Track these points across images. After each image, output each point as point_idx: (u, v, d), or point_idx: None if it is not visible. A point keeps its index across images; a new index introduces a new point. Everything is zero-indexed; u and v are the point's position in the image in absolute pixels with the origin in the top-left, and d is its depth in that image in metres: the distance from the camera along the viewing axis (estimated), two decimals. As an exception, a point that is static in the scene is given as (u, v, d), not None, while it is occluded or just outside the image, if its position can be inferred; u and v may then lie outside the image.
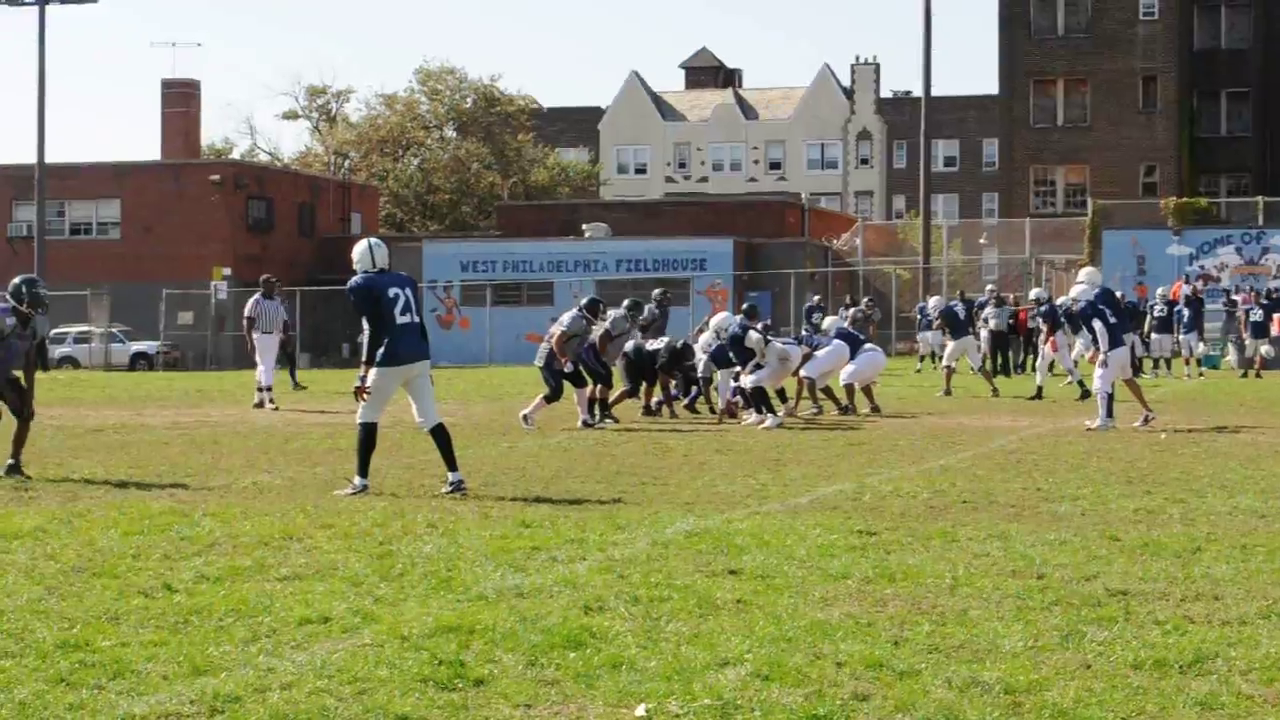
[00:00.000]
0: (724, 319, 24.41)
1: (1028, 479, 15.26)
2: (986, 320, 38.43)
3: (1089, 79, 75.99)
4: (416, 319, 14.40)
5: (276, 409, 26.86)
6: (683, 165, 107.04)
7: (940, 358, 36.14)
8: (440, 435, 14.37)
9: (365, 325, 14.42)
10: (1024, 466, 16.54)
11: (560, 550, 10.72)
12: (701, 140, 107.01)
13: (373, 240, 14.71)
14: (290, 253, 66.95)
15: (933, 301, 41.82)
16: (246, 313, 28.25)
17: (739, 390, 23.73)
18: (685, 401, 25.33)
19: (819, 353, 25.19)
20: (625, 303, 25.28)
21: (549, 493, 14.34)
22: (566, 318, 23.26)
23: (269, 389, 27.79)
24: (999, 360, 39.06)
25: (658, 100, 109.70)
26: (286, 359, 33.26)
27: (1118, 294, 31.94)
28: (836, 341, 25.66)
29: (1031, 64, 76.46)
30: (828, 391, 25.65)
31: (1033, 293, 35.80)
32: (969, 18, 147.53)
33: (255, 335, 27.82)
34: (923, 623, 8.32)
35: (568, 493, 14.33)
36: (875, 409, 25.49)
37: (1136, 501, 13.37)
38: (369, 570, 9.98)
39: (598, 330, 23.75)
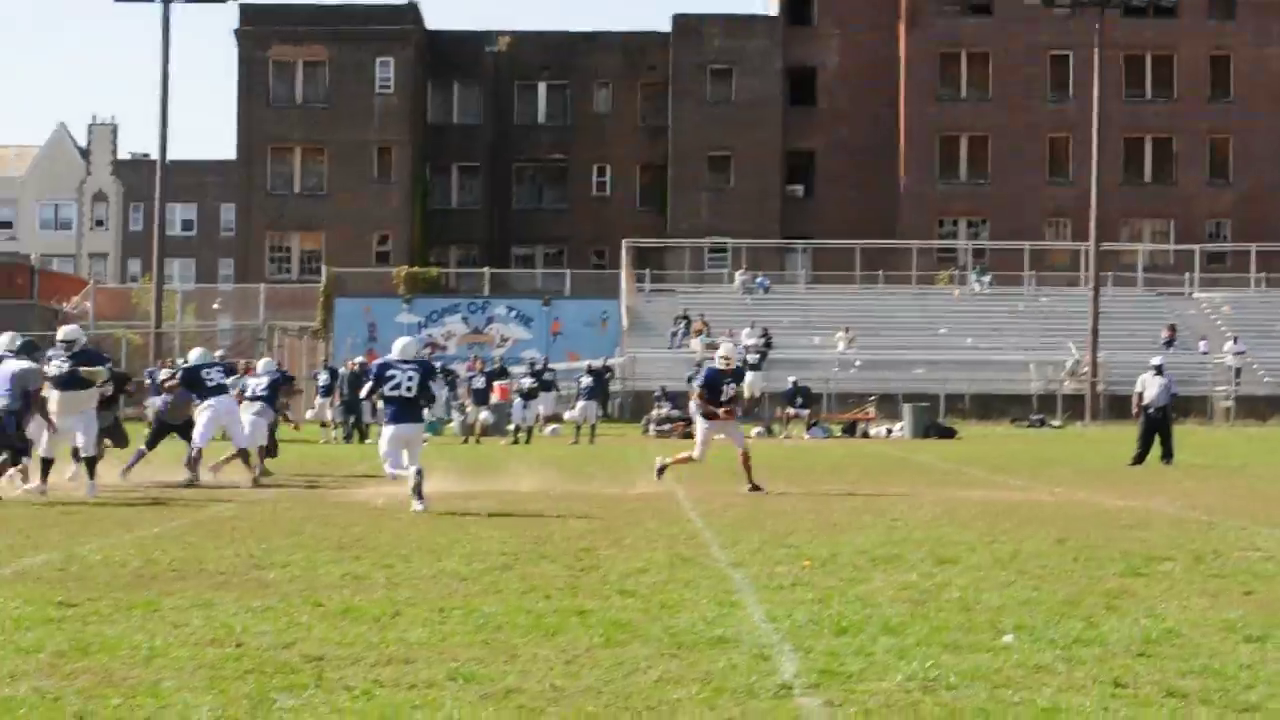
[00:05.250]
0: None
1: (241, 546, 15.23)
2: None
3: (326, 148, 77.16)
4: None
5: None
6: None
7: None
8: None
9: None
10: (239, 533, 16.50)
11: None
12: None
13: None
14: None
15: (164, 373, 41.27)
16: None
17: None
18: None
19: None
20: None
21: None
22: None
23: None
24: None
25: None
26: None
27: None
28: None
29: (270, 131, 77.05)
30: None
31: (260, 363, 35.91)
32: (210, 83, 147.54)
33: None
34: (112, 696, 8.18)
35: None
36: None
37: (345, 567, 13.56)
38: None
39: None
